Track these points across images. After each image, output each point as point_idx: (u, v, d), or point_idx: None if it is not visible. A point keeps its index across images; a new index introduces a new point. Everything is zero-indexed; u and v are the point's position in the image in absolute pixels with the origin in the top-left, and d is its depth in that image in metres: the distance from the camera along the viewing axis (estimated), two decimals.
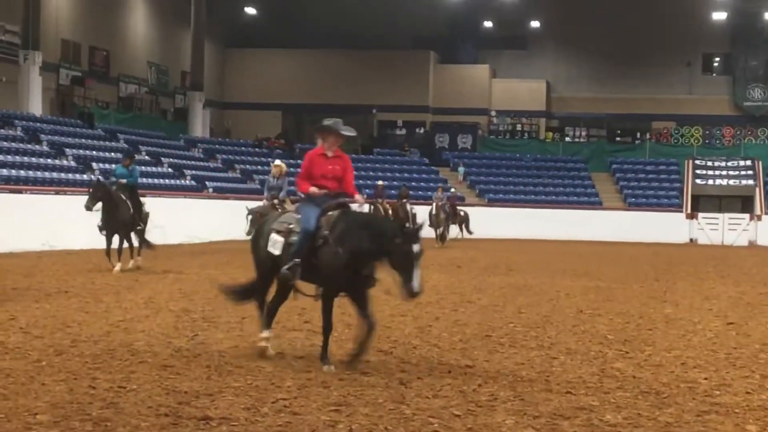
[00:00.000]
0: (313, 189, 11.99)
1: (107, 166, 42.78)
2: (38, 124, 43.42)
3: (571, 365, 11.80)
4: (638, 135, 63.51)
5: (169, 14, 59.79)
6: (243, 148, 58.73)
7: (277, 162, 26.72)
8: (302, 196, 12.27)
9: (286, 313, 15.98)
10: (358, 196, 12.34)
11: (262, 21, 64.72)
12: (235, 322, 14.86)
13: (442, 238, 43.50)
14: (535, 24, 65.23)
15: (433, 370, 11.22)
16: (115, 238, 23.95)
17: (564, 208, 55.76)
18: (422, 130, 65.13)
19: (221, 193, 47.16)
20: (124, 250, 24.17)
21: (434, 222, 43.13)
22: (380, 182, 47.37)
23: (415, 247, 11.18)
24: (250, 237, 25.34)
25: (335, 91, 63.80)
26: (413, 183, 58.49)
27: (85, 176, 40.09)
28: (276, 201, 24.93)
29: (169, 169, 47.94)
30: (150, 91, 58.39)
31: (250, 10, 65.16)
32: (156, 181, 44.68)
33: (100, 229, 23.87)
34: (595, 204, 57.27)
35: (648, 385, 10.68)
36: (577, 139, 64.44)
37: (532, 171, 60.89)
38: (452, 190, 52.98)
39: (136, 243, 24.80)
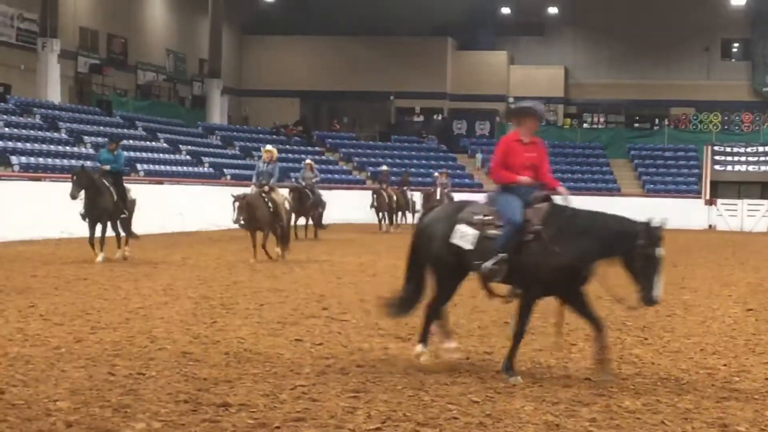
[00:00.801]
0: (523, 178, 10.72)
1: (126, 153, 42.86)
2: (57, 111, 43.52)
3: (590, 351, 11.78)
4: (657, 121, 63.31)
5: (186, 1, 59.83)
6: (261, 136, 58.71)
7: (268, 147, 25.89)
8: (497, 187, 11.03)
9: (305, 300, 16.02)
10: (561, 188, 11.11)
11: (279, 7, 64.66)
12: (253, 308, 14.89)
13: None
14: (553, 10, 65.03)
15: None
16: (106, 227, 22.99)
17: (582, 195, 55.37)
18: (440, 117, 65.05)
19: (239, 180, 47.20)
20: (111, 238, 23.20)
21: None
22: (384, 167, 46.32)
23: (659, 251, 9.88)
24: (237, 225, 24.00)
25: (353, 78, 63.76)
26: (431, 170, 58.43)
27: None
28: (265, 188, 24.30)
29: (188, 157, 48.02)
30: (168, 78, 58.47)
31: None
32: (174, 168, 44.78)
33: (83, 216, 22.89)
34: (614, 190, 57.14)
35: (667, 372, 10.66)
36: (595, 126, 64.26)
37: (551, 157, 60.26)
38: (384, 167, 48.49)
39: (123, 232, 23.75)
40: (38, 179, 34.21)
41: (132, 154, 43.51)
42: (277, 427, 8.01)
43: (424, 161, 59.61)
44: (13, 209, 30.19)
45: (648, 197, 55.62)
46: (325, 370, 10.34)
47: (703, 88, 62.90)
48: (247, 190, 25.21)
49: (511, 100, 65.11)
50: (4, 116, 39.05)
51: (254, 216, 23.84)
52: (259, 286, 18.00)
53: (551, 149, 60.59)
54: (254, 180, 25.08)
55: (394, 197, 42.93)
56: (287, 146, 57.76)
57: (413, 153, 60.78)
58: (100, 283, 18.02)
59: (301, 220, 34.61)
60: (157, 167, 43.33)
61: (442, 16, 64.90)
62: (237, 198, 24.06)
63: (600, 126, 64.20)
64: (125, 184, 23.96)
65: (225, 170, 48.78)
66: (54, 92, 44.96)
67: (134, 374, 9.88)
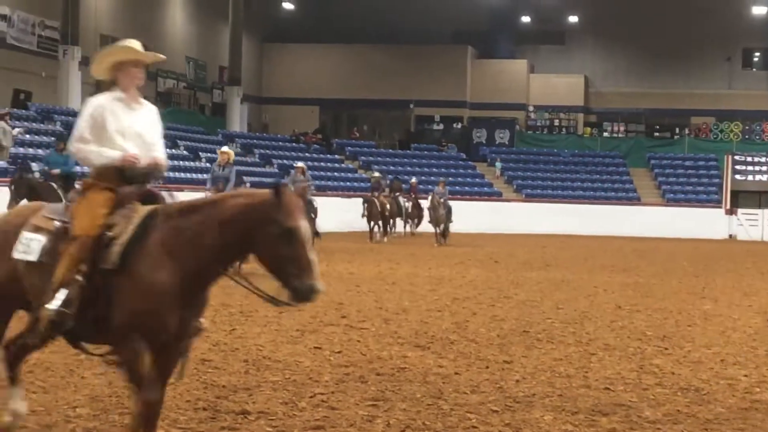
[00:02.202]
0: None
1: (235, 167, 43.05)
2: (77, 119, 43.61)
3: (610, 361, 11.75)
4: (677, 130, 63.13)
5: (207, 9, 59.97)
6: (280, 143, 58.81)
7: (224, 148, 23.57)
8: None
9: (323, 308, 16.01)
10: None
11: (299, 16, 64.79)
12: (272, 316, 14.88)
13: (443, 235, 39.32)
14: (573, 18, 65.00)
15: (471, 366, 11.20)
16: None
17: (602, 204, 55.53)
18: (459, 125, 65.03)
19: (259, 188, 47.20)
20: None
21: (433, 218, 39.36)
22: (376, 173, 44.65)
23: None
24: None
25: (373, 86, 63.79)
26: (450, 178, 58.44)
27: None
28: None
29: (207, 164, 48.03)
30: (188, 86, 58.62)
31: (288, 5, 65.24)
32: (194, 175, 44.85)
33: None
34: (633, 200, 57.02)
35: (687, 382, 10.62)
36: (615, 135, 64.12)
37: (570, 166, 60.68)
38: (413, 180, 48.96)
39: None
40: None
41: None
42: None
43: (443, 170, 59.55)
44: None
45: (668, 207, 55.47)
46: (344, 378, 10.32)
47: (724, 97, 62.73)
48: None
49: (531, 108, 65.21)
50: (25, 123, 39.18)
51: None
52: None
53: (571, 158, 60.63)
54: (209, 185, 22.86)
55: (387, 205, 40.97)
56: (306, 154, 57.83)
57: (433, 161, 60.74)
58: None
59: None
60: (177, 175, 43.41)
61: (462, 24, 64.97)
62: None
63: (620, 135, 64.06)
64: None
65: (244, 178, 48.79)
66: (75, 99, 45.10)
67: None
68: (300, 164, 34.26)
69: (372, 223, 40.05)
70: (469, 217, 52.04)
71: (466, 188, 57.46)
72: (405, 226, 43.69)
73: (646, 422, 8.78)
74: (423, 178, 53.13)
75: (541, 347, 12.67)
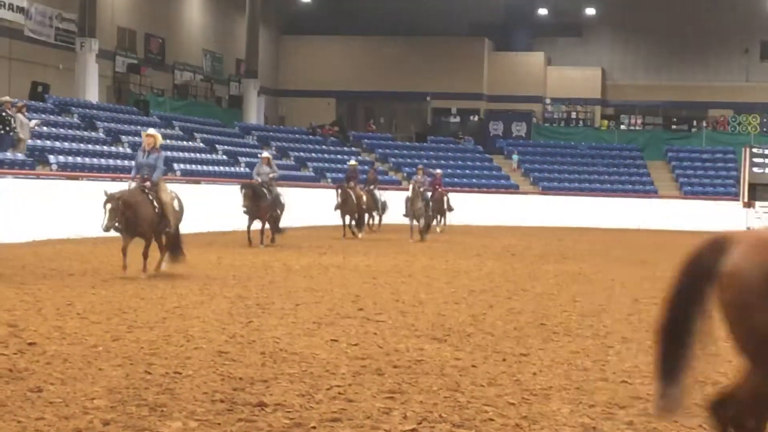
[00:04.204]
0: None
1: (164, 153, 43.04)
2: (94, 111, 43.73)
3: (627, 354, 11.72)
4: (694, 123, 63.00)
5: (224, 1, 60.03)
6: (297, 136, 58.87)
7: (150, 131, 20.36)
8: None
9: (340, 300, 16.02)
10: None
11: (316, 8, 64.78)
12: (289, 308, 14.90)
13: (427, 228, 36.19)
14: (590, 11, 64.88)
15: (488, 358, 11.18)
16: None
17: (619, 197, 55.47)
18: (476, 118, 64.99)
19: (276, 181, 47.24)
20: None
21: (409, 211, 35.61)
22: (352, 161, 40.16)
23: None
24: (108, 231, 18.75)
25: (389, 79, 63.81)
26: (467, 171, 58.45)
27: None
28: (147, 183, 19.49)
29: (224, 157, 48.18)
30: (205, 78, 58.70)
31: None
32: (211, 168, 44.94)
33: None
34: (651, 192, 56.92)
35: (704, 375, 10.58)
36: (632, 127, 64.05)
37: (587, 159, 60.61)
38: (438, 171, 45.55)
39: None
40: (76, 178, 34.36)
41: (169, 153, 43.69)
42: (313, 428, 8.00)
43: (460, 162, 59.60)
44: (51, 208, 30.36)
45: (685, 199, 55.36)
46: (361, 370, 10.32)
47: (742, 90, 62.56)
48: (123, 187, 20.26)
49: (548, 101, 65.16)
50: (43, 115, 39.26)
51: (134, 219, 18.96)
52: (295, 286, 18.02)
53: (588, 151, 60.55)
54: (133, 173, 19.95)
55: (363, 197, 37.12)
56: (323, 146, 57.86)
57: (449, 154, 60.75)
58: (136, 281, 18.09)
59: (257, 224, 29.63)
60: (193, 167, 43.50)
61: (479, 16, 64.93)
62: (109, 198, 18.75)
63: (637, 128, 63.97)
64: None
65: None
66: (92, 92, 45.21)
67: (171, 373, 9.89)
68: (265, 154, 32.30)
69: (347, 216, 36.12)
70: (486, 209, 52.10)
71: (483, 181, 57.47)
72: (374, 220, 40.15)
73: None
74: (439, 170, 53.08)
75: (558, 340, 12.65)
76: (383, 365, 10.58)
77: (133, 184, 19.53)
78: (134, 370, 9.99)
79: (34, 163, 34.17)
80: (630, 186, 57.71)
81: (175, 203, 19.88)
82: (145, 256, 19.18)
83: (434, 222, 40.77)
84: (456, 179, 55.62)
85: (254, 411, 8.45)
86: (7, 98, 34.26)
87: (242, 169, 47.50)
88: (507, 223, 50.22)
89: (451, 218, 43.44)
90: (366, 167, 46.74)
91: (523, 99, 64.67)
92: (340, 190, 35.96)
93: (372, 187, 39.57)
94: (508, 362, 11.01)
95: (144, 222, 19.01)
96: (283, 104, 66.13)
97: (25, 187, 30.26)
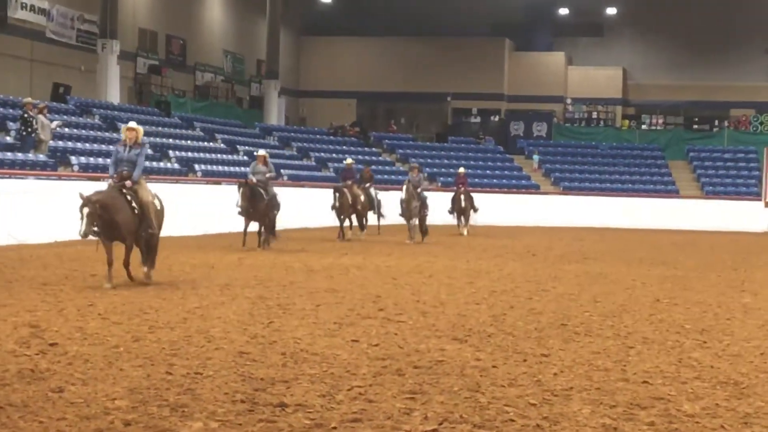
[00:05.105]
0: None
1: (183, 153, 43.21)
2: (116, 112, 43.88)
3: (648, 354, 11.69)
4: (716, 122, 62.81)
5: (244, 3, 60.13)
6: (318, 136, 58.93)
7: (132, 124, 18.50)
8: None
9: (361, 301, 16.02)
10: None
11: (337, 9, 64.85)
12: (310, 309, 14.91)
13: (422, 232, 34.51)
14: (611, 10, 64.78)
15: (509, 359, 11.17)
16: None
17: (640, 197, 55.34)
18: (497, 118, 64.93)
19: (296, 181, 47.35)
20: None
21: (405, 211, 34.09)
22: (349, 160, 38.59)
23: None
24: (86, 237, 17.30)
25: (410, 79, 63.84)
26: (488, 171, 58.41)
27: (161, 164, 40.52)
28: (127, 182, 17.86)
29: (245, 157, 48.23)
30: (226, 79, 58.82)
31: None
32: (231, 169, 45.01)
33: None
34: (672, 192, 56.77)
35: (726, 376, 10.55)
36: (653, 127, 63.89)
37: (608, 159, 60.48)
38: (461, 170, 43.29)
39: None
40: (97, 179, 34.45)
41: (190, 154, 43.84)
42: (334, 428, 8.00)
43: (480, 162, 59.57)
44: (73, 209, 30.39)
45: (707, 199, 55.19)
46: (382, 371, 10.32)
47: (764, 90, 62.36)
48: (101, 187, 19.11)
49: (568, 101, 65.03)
50: (64, 116, 39.41)
51: (112, 222, 17.41)
52: (316, 287, 18.03)
53: (610, 151, 60.42)
54: (111, 171, 18.27)
55: (361, 197, 35.63)
56: (344, 147, 57.88)
57: (470, 154, 60.72)
58: (157, 282, 18.13)
59: (253, 225, 28.55)
60: (214, 168, 43.61)
61: (499, 16, 64.87)
62: (86, 201, 17.30)
63: (659, 127, 63.81)
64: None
65: (282, 171, 48.95)
66: (113, 93, 45.36)
67: (192, 374, 9.91)
68: (261, 152, 30.05)
69: (342, 217, 34.52)
70: (507, 210, 52.05)
71: (504, 181, 57.42)
72: (367, 221, 37.27)
73: (685, 416, 8.73)
74: (462, 169, 52.99)
75: (579, 340, 12.63)
76: (404, 366, 10.58)
77: (111, 182, 18.13)
78: (155, 371, 10.01)
79: (56, 164, 34.28)
80: (651, 186, 57.59)
81: (156, 203, 18.30)
82: (127, 264, 17.78)
83: (461, 222, 40.00)
84: (477, 179, 55.54)
85: (275, 411, 8.46)
86: (28, 100, 34.42)
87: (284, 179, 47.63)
88: (528, 223, 50.16)
89: (476, 218, 42.30)
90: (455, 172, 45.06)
91: (544, 99, 64.59)
92: (337, 191, 34.28)
93: (368, 185, 37.76)
94: (528, 363, 10.99)
95: (123, 226, 17.44)
96: (303, 105, 66.21)
97: (46, 188, 30.34)
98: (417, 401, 8.97)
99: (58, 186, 31.11)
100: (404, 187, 34.20)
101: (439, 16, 63.74)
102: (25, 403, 8.50)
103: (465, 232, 39.46)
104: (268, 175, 28.88)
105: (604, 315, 15.15)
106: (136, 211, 17.60)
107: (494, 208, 50.21)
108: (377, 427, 8.08)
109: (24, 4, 42.99)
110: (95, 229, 17.19)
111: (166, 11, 53.66)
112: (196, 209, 34.21)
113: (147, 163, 39.61)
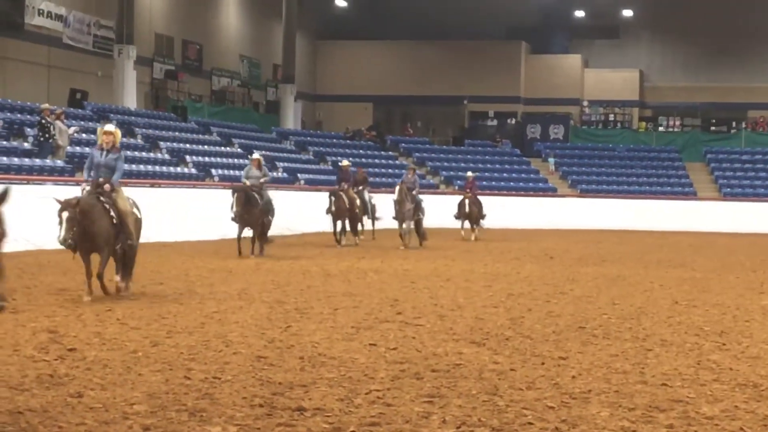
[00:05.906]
0: None
1: (200, 158, 43.29)
2: (133, 117, 43.97)
3: (667, 357, 11.66)
4: (734, 124, 62.62)
5: (260, 7, 60.19)
6: (334, 140, 58.95)
7: (108, 127, 17.60)
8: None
9: (378, 304, 16.02)
10: None
11: (352, 13, 64.87)
12: (327, 313, 14.91)
13: (419, 234, 33.63)
14: (627, 13, 64.67)
15: (527, 362, 11.16)
16: None
17: (658, 199, 55.21)
18: (514, 121, 64.87)
19: (313, 185, 47.37)
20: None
21: (398, 214, 32.86)
22: (345, 162, 37.07)
23: None
24: (65, 245, 16.07)
25: (426, 83, 63.79)
26: (505, 174, 58.35)
27: (179, 169, 40.61)
28: (104, 187, 16.78)
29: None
30: (242, 84, 58.88)
31: (341, 2, 65.33)
32: None
33: None
34: (690, 194, 56.62)
35: (745, 378, 10.52)
36: (671, 129, 63.73)
37: (625, 161, 60.35)
38: (469, 173, 41.94)
39: None
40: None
41: (207, 159, 43.90)
42: None
43: (497, 165, 59.52)
44: None
45: (725, 201, 55.02)
46: (400, 374, 10.32)
47: None
48: (78, 192, 17.69)
49: (585, 103, 64.93)
50: (82, 122, 39.51)
51: (90, 231, 16.25)
52: (333, 291, 18.04)
53: (627, 153, 60.31)
54: (86, 175, 17.40)
55: (357, 201, 34.27)
56: (361, 151, 57.89)
57: (487, 157, 60.66)
58: (175, 287, 18.16)
59: (247, 231, 27.22)
60: (231, 172, 43.63)
61: (515, 19, 64.81)
62: (65, 205, 16.17)
63: (676, 129, 63.65)
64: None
65: (299, 175, 49.01)
66: (130, 98, 45.49)
67: (210, 378, 9.93)
68: (256, 156, 28.96)
69: (338, 221, 33.14)
70: (524, 212, 52.00)
71: (521, 184, 57.35)
72: (363, 225, 35.80)
73: (704, 418, 8.71)
74: (477, 174, 53.01)
75: (597, 343, 12.61)
76: (422, 369, 10.58)
77: (87, 188, 16.99)
78: (174, 376, 10.03)
79: (74, 169, 34.35)
80: (669, 188, 57.45)
81: (135, 211, 17.22)
82: (101, 277, 16.43)
83: (464, 227, 39.06)
84: (494, 182, 55.51)
85: (293, 415, 8.47)
86: (46, 106, 34.53)
87: (280, 174, 47.64)
88: (545, 226, 50.08)
89: (483, 224, 40.86)
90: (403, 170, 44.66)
91: (560, 102, 64.50)
92: (332, 195, 32.86)
93: (361, 188, 35.81)
94: (546, 366, 10.98)
95: (99, 236, 16.31)
96: (320, 109, 66.23)
97: (64, 193, 30.29)
98: (435, 405, 8.97)
99: (76, 192, 31.13)
100: (397, 188, 33.16)
101: (455, 19, 63.69)
102: (44, 408, 8.54)
103: (473, 238, 38.32)
104: (262, 179, 27.81)
105: (622, 317, 15.12)
106: (114, 221, 16.53)
107: (511, 211, 50.15)
108: (396, 430, 8.09)
109: (41, 11, 43.13)
110: (71, 241, 15.95)
111: (182, 16, 53.76)
112: (213, 213, 34.19)
113: (164, 168, 39.96)
